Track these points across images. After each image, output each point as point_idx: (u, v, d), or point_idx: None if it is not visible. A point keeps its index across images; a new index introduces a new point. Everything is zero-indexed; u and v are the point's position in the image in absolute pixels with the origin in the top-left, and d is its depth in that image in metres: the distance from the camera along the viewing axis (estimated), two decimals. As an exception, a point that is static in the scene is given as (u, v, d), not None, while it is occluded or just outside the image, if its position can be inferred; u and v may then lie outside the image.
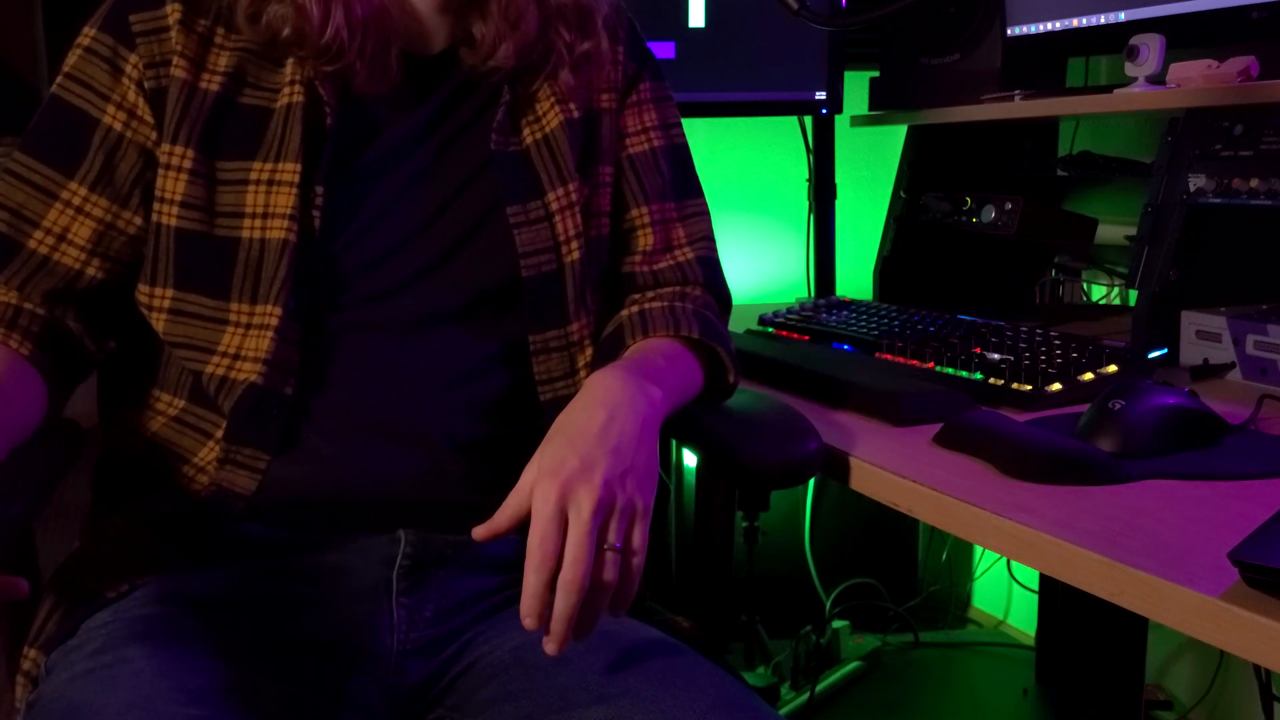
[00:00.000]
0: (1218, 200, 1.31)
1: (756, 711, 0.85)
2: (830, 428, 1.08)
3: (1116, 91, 1.45)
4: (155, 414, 1.00)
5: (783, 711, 2.06)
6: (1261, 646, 0.65)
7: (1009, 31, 1.70)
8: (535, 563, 0.79)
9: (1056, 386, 1.14)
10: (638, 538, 0.84)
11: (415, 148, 1.01)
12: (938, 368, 1.24)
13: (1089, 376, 1.17)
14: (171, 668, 0.82)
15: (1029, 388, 1.15)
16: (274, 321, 0.94)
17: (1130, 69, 1.44)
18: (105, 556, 0.96)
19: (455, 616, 0.96)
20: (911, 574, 2.52)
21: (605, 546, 0.82)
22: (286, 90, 0.97)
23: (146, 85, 0.96)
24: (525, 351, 1.02)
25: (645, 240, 1.10)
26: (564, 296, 1.03)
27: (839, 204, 2.05)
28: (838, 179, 2.05)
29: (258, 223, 0.95)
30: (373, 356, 0.97)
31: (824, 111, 1.93)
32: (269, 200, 0.95)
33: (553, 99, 1.05)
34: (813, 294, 2.07)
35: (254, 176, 0.96)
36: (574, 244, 1.03)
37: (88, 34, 0.98)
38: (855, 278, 2.22)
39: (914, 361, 1.28)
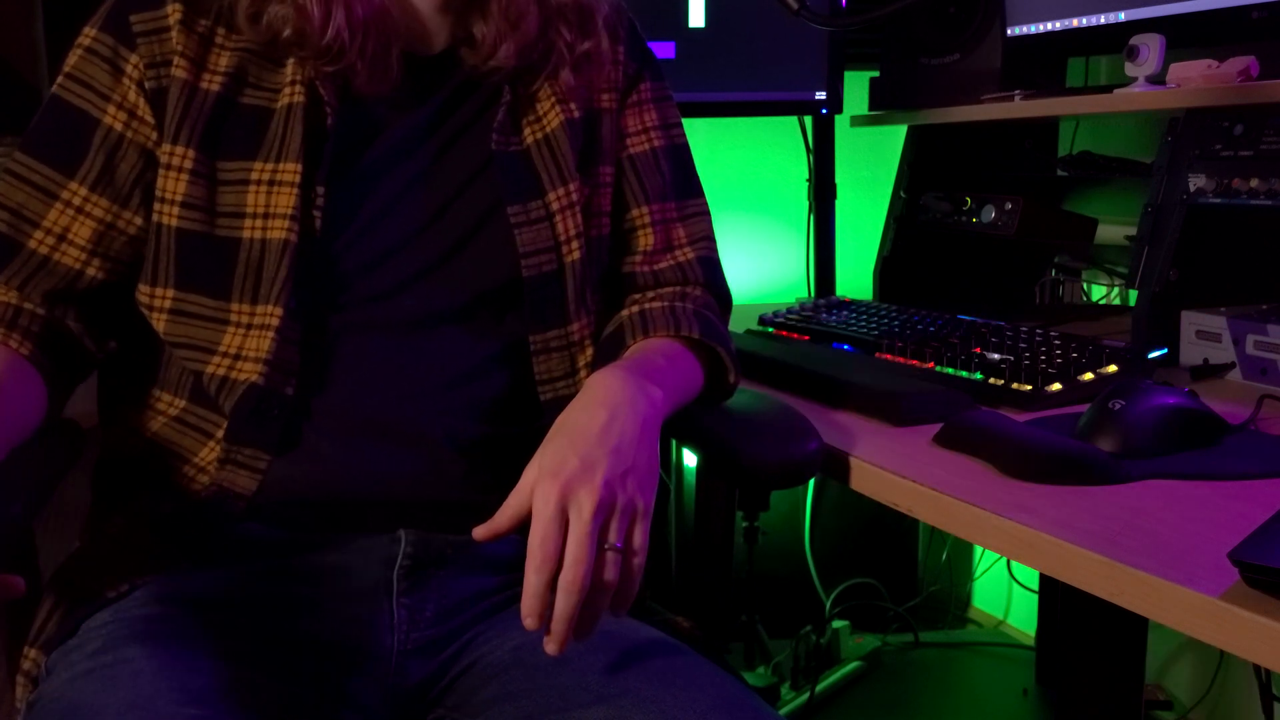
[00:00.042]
0: (1218, 200, 1.31)
1: (756, 711, 0.85)
2: (830, 428, 1.08)
3: (1116, 91, 1.45)
4: (156, 414, 1.00)
5: (783, 711, 2.06)
6: (1261, 646, 0.65)
7: (1009, 31, 1.70)
8: (536, 563, 0.79)
9: (1056, 386, 1.14)
10: (638, 538, 0.84)
11: (416, 148, 1.01)
12: (938, 368, 1.24)
13: (1089, 376, 1.17)
14: (172, 668, 0.82)
15: (1029, 388, 1.15)
16: (275, 322, 0.94)
17: (1130, 69, 1.44)
18: (105, 556, 0.96)
19: (455, 616, 0.96)
20: (911, 574, 2.52)
21: (606, 547, 0.82)
22: (287, 90, 0.97)
23: (147, 85, 0.96)
24: (525, 351, 1.02)
25: (646, 240, 1.10)
26: (564, 296, 1.03)
27: (839, 204, 2.05)
28: (838, 179, 2.05)
29: (258, 223, 0.95)
30: (373, 356, 0.97)
31: (824, 111, 1.93)
32: (270, 200, 0.95)
33: (553, 99, 1.05)
34: (813, 294, 2.07)
35: (255, 177, 0.96)
36: (574, 244, 1.03)
37: (88, 34, 0.98)
38: (855, 278, 2.22)
39: (914, 361, 1.28)
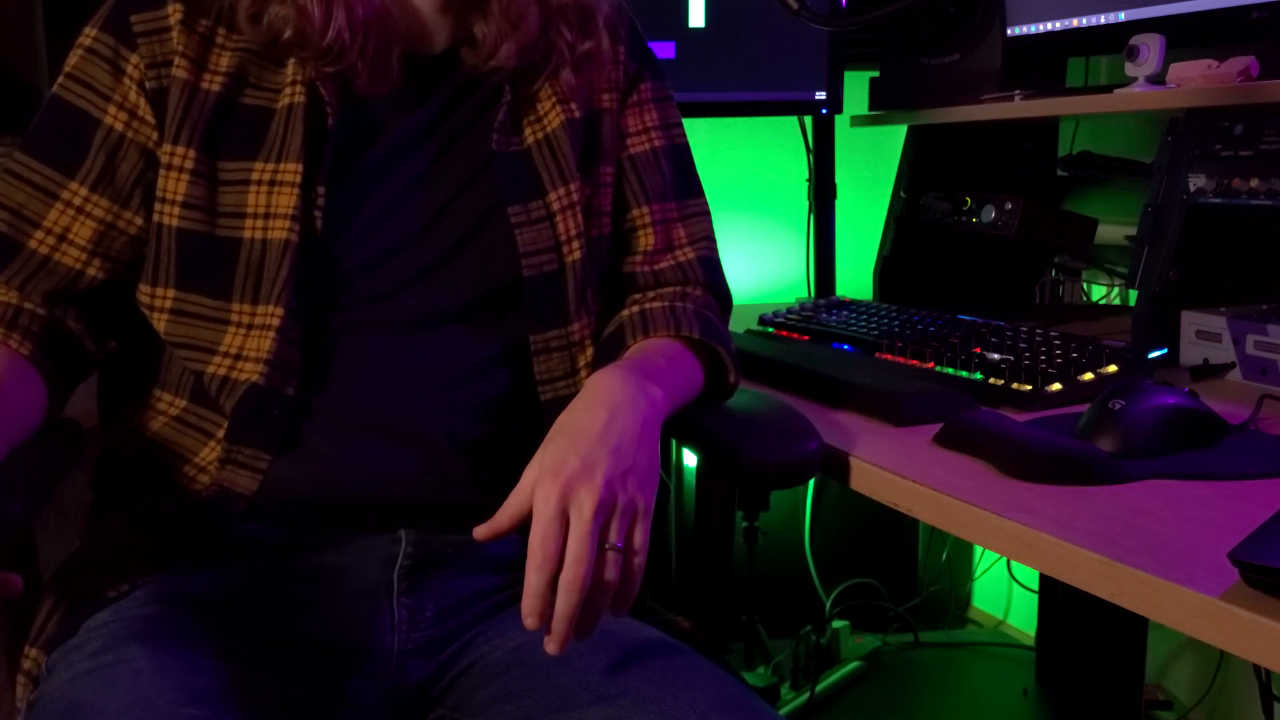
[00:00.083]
0: (1218, 200, 1.31)
1: (756, 711, 0.85)
2: (830, 428, 1.08)
3: (1116, 91, 1.46)
4: (156, 414, 1.00)
5: (783, 711, 2.06)
6: (1261, 646, 0.65)
7: (1009, 31, 1.70)
8: (537, 562, 0.79)
9: (1056, 386, 1.15)
10: (639, 537, 0.84)
11: (416, 148, 1.01)
12: (938, 368, 1.25)
13: (1089, 376, 1.17)
14: (172, 668, 0.82)
15: (1029, 388, 1.15)
16: (276, 322, 0.94)
17: (1130, 69, 1.44)
18: (105, 556, 0.96)
19: (456, 616, 0.96)
20: (911, 574, 2.52)
21: (606, 546, 0.82)
22: (288, 90, 0.97)
23: (148, 85, 0.96)
24: (526, 351, 1.02)
25: (646, 240, 1.10)
26: (565, 296, 1.03)
27: (839, 204, 2.05)
28: (838, 179, 2.04)
29: (259, 223, 0.95)
30: (374, 356, 0.97)
31: (824, 111, 1.93)
32: (270, 201, 0.95)
33: (554, 99, 1.05)
34: (813, 294, 2.07)
35: (255, 177, 0.96)
36: (575, 244, 1.03)
37: (89, 34, 0.98)
38: (855, 278, 2.22)
39: (914, 361, 1.28)
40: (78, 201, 0.96)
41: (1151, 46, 1.42)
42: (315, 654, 0.92)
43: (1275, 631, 0.64)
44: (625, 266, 1.11)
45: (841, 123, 2.00)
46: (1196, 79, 1.37)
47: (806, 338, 1.48)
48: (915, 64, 1.84)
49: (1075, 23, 1.61)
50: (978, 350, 1.26)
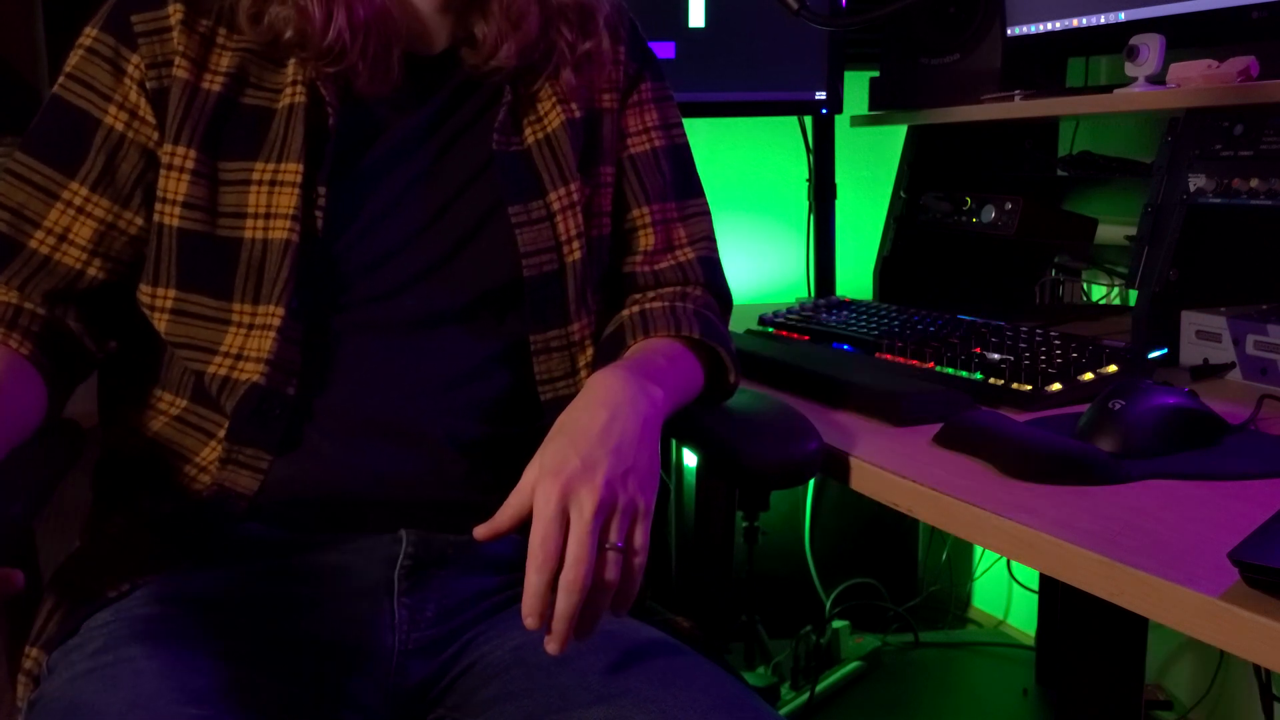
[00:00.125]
0: (1218, 200, 1.31)
1: (756, 711, 0.85)
2: (830, 428, 1.08)
3: (1116, 91, 1.46)
4: (157, 414, 1.00)
5: (783, 711, 2.06)
6: (1261, 646, 0.65)
7: (1009, 31, 1.70)
8: (537, 562, 0.79)
9: (1056, 386, 1.15)
10: (639, 537, 0.84)
11: (417, 148, 1.01)
12: (938, 368, 1.25)
13: (1089, 376, 1.17)
14: (172, 667, 0.82)
15: (1029, 388, 1.15)
16: (276, 322, 0.94)
17: (1130, 69, 1.44)
18: (106, 556, 0.96)
19: (456, 616, 0.96)
20: (911, 574, 2.52)
21: (607, 546, 0.82)
22: (288, 91, 0.97)
23: (148, 85, 0.96)
24: (526, 351, 1.02)
25: (646, 240, 1.10)
26: (565, 296, 1.03)
27: (839, 204, 2.05)
28: (838, 179, 2.05)
29: (260, 223, 0.95)
30: (374, 357, 0.97)
31: (824, 111, 1.93)
32: (271, 201, 0.95)
33: (554, 99, 1.05)
34: (813, 294, 2.07)
35: (256, 177, 0.96)
36: (575, 244, 1.03)
37: (89, 34, 0.98)
38: (855, 278, 2.23)
39: (914, 361, 1.28)
40: (78, 201, 0.96)
41: (1151, 46, 1.42)
42: (316, 654, 0.92)
43: (1275, 631, 0.64)
44: (625, 266, 1.11)
45: (841, 123, 2.00)
46: (1196, 79, 1.37)
47: (806, 338, 1.48)
48: (915, 64, 1.84)
49: (1075, 23, 1.61)
50: (978, 350, 1.26)
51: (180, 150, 0.95)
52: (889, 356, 1.32)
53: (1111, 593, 0.74)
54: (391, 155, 1.00)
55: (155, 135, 0.96)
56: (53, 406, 0.96)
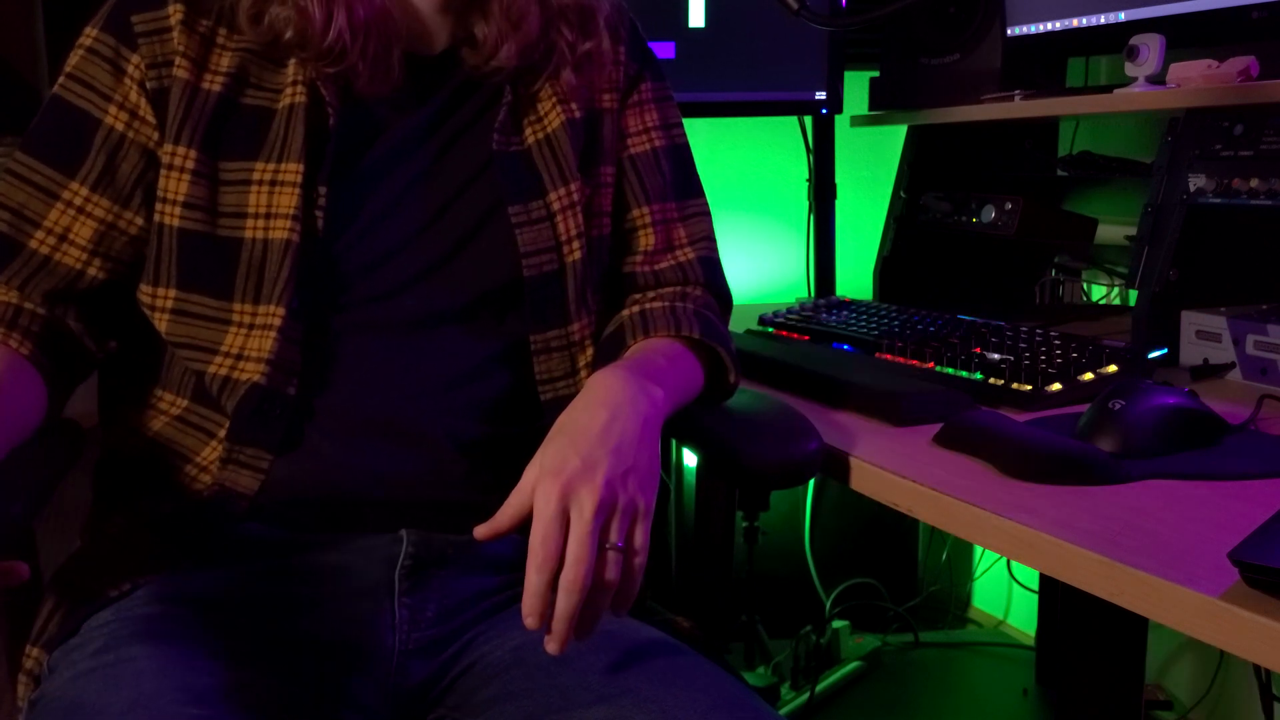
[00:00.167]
0: (1218, 200, 1.31)
1: (756, 711, 0.85)
2: (830, 428, 1.08)
3: (1116, 91, 1.46)
4: (157, 413, 1.00)
5: (783, 711, 2.06)
6: (1261, 646, 0.65)
7: (1009, 31, 1.70)
8: (537, 562, 0.79)
9: (1056, 386, 1.15)
10: (639, 537, 0.84)
11: (417, 148, 1.01)
12: (938, 368, 1.25)
13: (1089, 376, 1.17)
14: (173, 667, 0.82)
15: (1029, 388, 1.15)
16: (277, 322, 0.94)
17: (1130, 69, 1.44)
18: (106, 556, 0.96)
19: (457, 616, 0.96)
20: (911, 574, 2.52)
21: (607, 546, 0.82)
22: (289, 91, 0.97)
23: (148, 85, 0.96)
24: (526, 351, 1.02)
25: (646, 240, 1.10)
26: (565, 296, 1.03)
27: (839, 204, 2.05)
28: (838, 179, 2.05)
29: (261, 223, 0.95)
30: (374, 357, 0.97)
31: (824, 111, 1.93)
32: (272, 200, 0.95)
33: (554, 99, 1.05)
34: (813, 294, 2.07)
35: (257, 177, 0.96)
36: (575, 244, 1.03)
37: (89, 34, 0.98)
38: (855, 278, 2.23)
39: (914, 361, 1.28)
40: (78, 201, 0.96)
41: (1151, 46, 1.42)
42: (316, 654, 0.92)
43: (1275, 631, 0.64)
44: (625, 266, 1.11)
45: (841, 123, 2.00)
46: (1196, 79, 1.37)
47: (806, 338, 1.48)
48: (915, 64, 1.84)
49: (1075, 23, 1.61)
50: (978, 350, 1.26)
51: (181, 150, 0.95)
52: (889, 356, 1.32)
53: (1111, 593, 0.74)
54: (392, 155, 1.00)
55: (155, 135, 0.96)
56: (53, 406, 0.96)
